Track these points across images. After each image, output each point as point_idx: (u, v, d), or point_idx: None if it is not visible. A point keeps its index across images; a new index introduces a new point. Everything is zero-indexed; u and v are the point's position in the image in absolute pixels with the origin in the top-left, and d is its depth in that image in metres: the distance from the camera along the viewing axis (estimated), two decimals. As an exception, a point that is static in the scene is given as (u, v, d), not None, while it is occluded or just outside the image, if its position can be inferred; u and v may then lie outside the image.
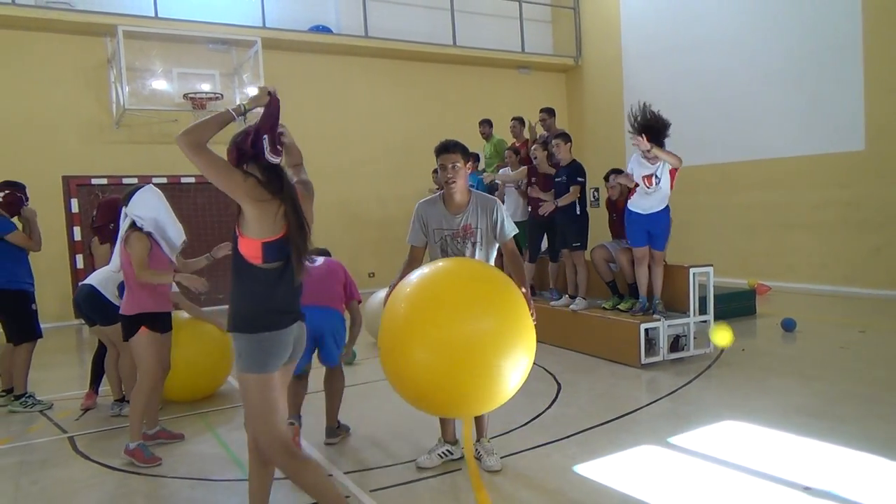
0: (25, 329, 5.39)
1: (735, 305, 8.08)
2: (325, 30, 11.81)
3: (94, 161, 10.16)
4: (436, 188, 9.86)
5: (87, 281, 5.12)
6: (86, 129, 10.17)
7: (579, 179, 6.63)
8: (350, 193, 12.11)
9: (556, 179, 6.83)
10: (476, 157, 8.78)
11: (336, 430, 4.40)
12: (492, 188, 8.63)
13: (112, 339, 5.01)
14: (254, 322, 2.64)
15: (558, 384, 5.54)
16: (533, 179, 7.24)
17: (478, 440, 3.88)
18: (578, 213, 6.70)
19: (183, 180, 10.55)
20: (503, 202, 7.94)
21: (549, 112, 8.24)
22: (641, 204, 6.01)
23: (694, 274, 6.11)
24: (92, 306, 5.00)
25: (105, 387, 5.48)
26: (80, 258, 9.89)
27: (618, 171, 6.76)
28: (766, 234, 10.64)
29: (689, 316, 6.09)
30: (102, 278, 5.02)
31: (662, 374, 5.75)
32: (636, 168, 6.04)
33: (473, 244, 3.64)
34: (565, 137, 6.80)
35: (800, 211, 10.13)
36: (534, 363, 5.68)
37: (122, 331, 4.22)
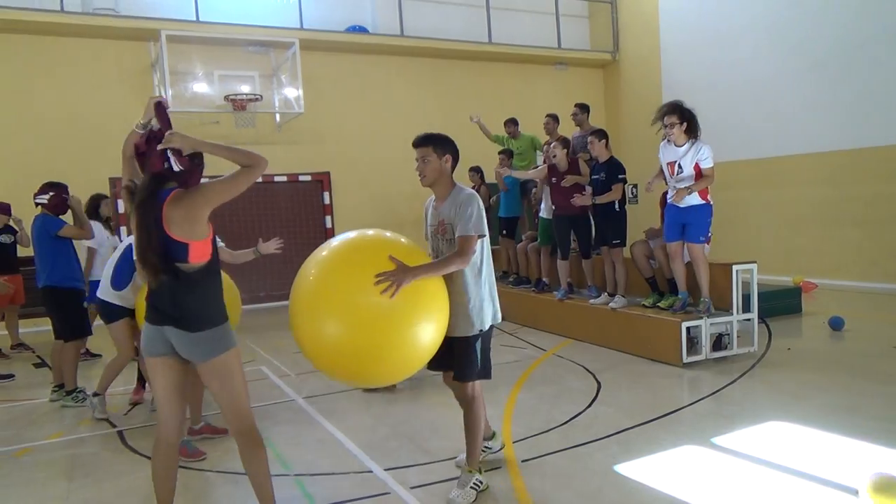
0: (76, 326, 5.57)
1: (779, 303, 7.89)
2: (361, 30, 11.90)
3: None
4: (472, 186, 9.87)
5: None
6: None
7: (620, 177, 6.56)
8: (386, 192, 12.18)
9: (594, 177, 6.76)
10: (510, 154, 8.81)
11: None
12: (526, 186, 8.60)
13: None
14: (222, 314, 2.87)
15: (598, 383, 5.49)
16: (553, 179, 7.18)
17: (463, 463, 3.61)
18: (617, 209, 6.63)
19: (224, 180, 10.73)
20: (540, 200, 7.89)
21: (583, 108, 8.15)
22: (676, 196, 5.89)
23: (737, 271, 5.99)
24: None
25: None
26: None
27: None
28: (812, 231, 10.35)
29: (732, 314, 5.97)
30: None
31: (705, 373, 5.65)
32: (663, 153, 5.96)
33: (448, 241, 3.35)
34: (600, 134, 6.72)
35: (849, 206, 9.82)
36: (573, 361, 5.63)
37: None
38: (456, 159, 3.53)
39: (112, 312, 4.85)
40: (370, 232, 3.30)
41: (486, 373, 3.51)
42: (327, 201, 11.75)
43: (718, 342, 6.00)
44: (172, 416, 2.92)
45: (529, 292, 8.21)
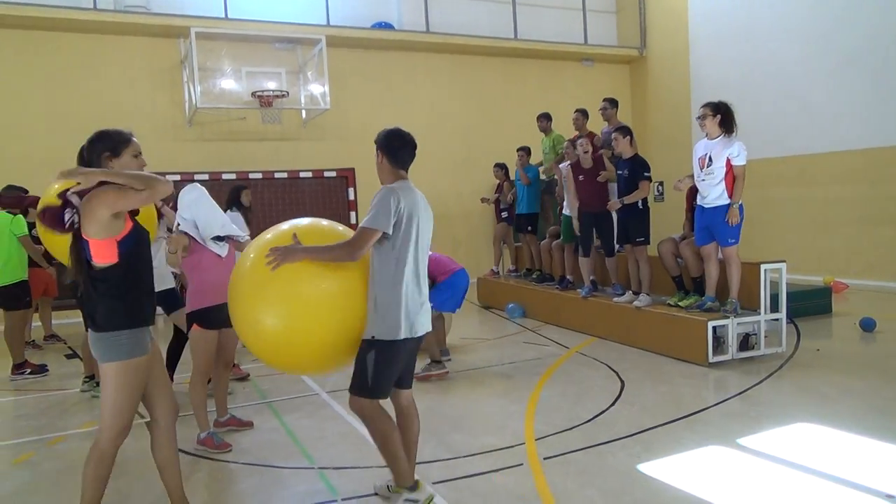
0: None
1: (809, 304, 7.75)
2: (387, 26, 11.93)
3: (168, 158, 10.57)
4: (497, 183, 9.85)
5: None
6: (161, 128, 10.60)
7: (646, 175, 6.49)
8: (411, 188, 12.20)
9: (618, 173, 6.71)
10: (527, 151, 8.81)
11: None
12: (551, 182, 8.56)
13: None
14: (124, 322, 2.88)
15: (622, 381, 5.45)
16: (581, 176, 7.14)
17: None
18: (641, 206, 6.57)
19: (251, 176, 10.86)
20: (564, 196, 7.87)
21: (612, 102, 8.06)
22: (702, 194, 5.82)
23: (765, 270, 5.90)
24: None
25: (183, 374, 5.72)
26: (155, 251, 10.33)
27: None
28: (844, 230, 10.14)
29: (759, 314, 5.88)
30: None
31: (731, 373, 5.57)
32: (698, 150, 5.89)
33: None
34: (624, 131, 6.65)
35: (883, 205, 9.60)
36: (597, 360, 5.60)
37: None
38: (390, 154, 3.22)
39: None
40: (304, 221, 3.34)
41: (370, 391, 3.07)
42: (352, 197, 11.82)
43: (745, 342, 5.92)
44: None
45: (553, 289, 8.18)
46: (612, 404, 4.86)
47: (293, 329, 3.02)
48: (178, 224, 4.28)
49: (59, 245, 4.33)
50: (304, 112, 11.32)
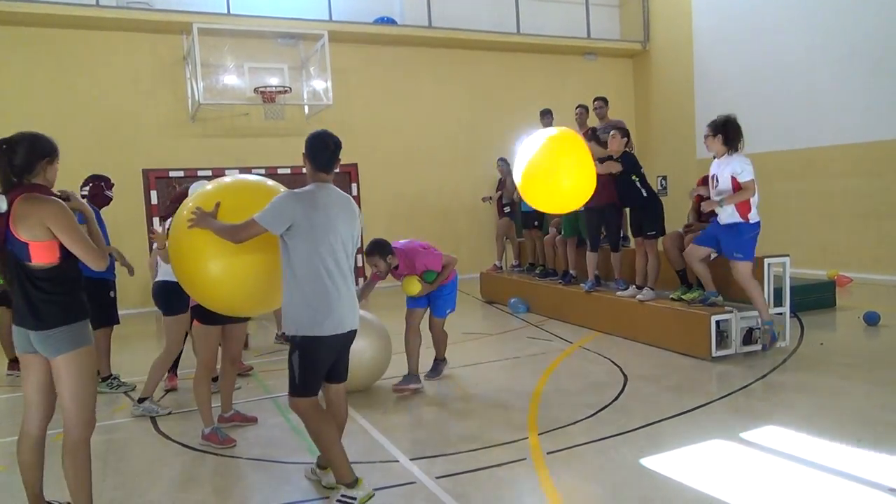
0: (102, 315, 5.66)
1: (813, 297, 7.74)
2: (389, 21, 11.91)
3: (171, 154, 10.60)
4: (499, 178, 9.84)
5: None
6: (164, 124, 10.62)
7: (617, 160, 6.52)
8: (413, 183, 12.23)
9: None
10: None
11: None
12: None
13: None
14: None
15: (625, 376, 5.45)
16: None
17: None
18: (646, 195, 6.53)
19: (254, 171, 10.86)
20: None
21: (604, 101, 8.22)
22: (717, 212, 5.76)
23: (769, 264, 5.89)
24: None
25: (186, 370, 5.74)
26: (159, 247, 10.36)
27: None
28: (849, 223, 10.11)
29: (763, 308, 5.87)
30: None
31: (734, 367, 5.57)
32: (710, 169, 5.84)
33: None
34: (623, 132, 6.68)
35: (888, 198, 9.55)
36: (600, 354, 5.62)
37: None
38: (310, 157, 3.36)
39: (178, 300, 4.77)
40: (249, 178, 3.88)
41: (298, 389, 3.19)
42: (355, 192, 11.83)
43: (749, 336, 5.91)
44: (36, 411, 3.07)
45: (556, 284, 8.18)
46: (616, 399, 4.86)
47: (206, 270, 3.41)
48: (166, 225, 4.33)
49: None
50: (306, 108, 11.32)
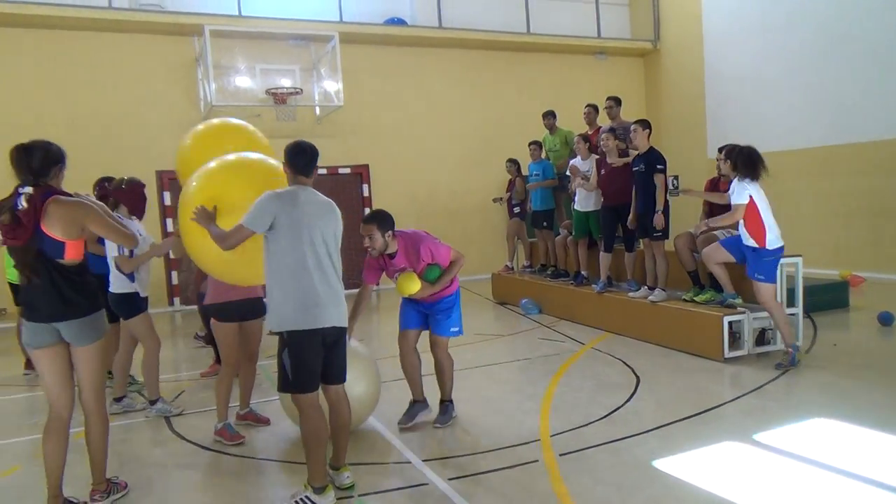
0: (109, 311, 5.68)
1: (826, 298, 7.69)
2: (400, 22, 11.93)
3: (183, 156, 10.66)
4: (509, 179, 9.83)
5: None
6: (176, 126, 10.62)
7: (660, 167, 6.46)
8: (424, 183, 12.25)
9: (634, 168, 6.67)
10: (539, 144, 8.83)
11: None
12: (563, 178, 8.55)
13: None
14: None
15: (637, 377, 5.44)
16: (603, 171, 7.12)
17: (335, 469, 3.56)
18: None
19: (265, 173, 10.92)
20: (575, 192, 7.84)
21: (616, 101, 8.14)
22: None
23: (781, 265, 5.85)
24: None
25: (199, 369, 5.79)
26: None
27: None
28: (862, 223, 10.03)
29: (776, 309, 5.84)
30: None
31: (747, 368, 5.55)
32: None
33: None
34: (644, 124, 6.63)
35: (901, 197, 9.48)
36: (612, 355, 5.61)
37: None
38: (288, 161, 3.49)
39: (133, 304, 4.90)
40: (251, 156, 4.06)
41: (292, 385, 3.27)
42: (366, 193, 11.86)
43: (761, 337, 5.89)
44: (64, 396, 3.32)
45: (568, 285, 8.17)
46: (628, 400, 4.86)
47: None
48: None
49: None
50: (317, 109, 11.37)
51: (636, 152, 6.75)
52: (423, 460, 3.89)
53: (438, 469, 3.76)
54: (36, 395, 5.90)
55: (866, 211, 9.98)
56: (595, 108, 8.53)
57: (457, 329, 4.46)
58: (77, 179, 6.43)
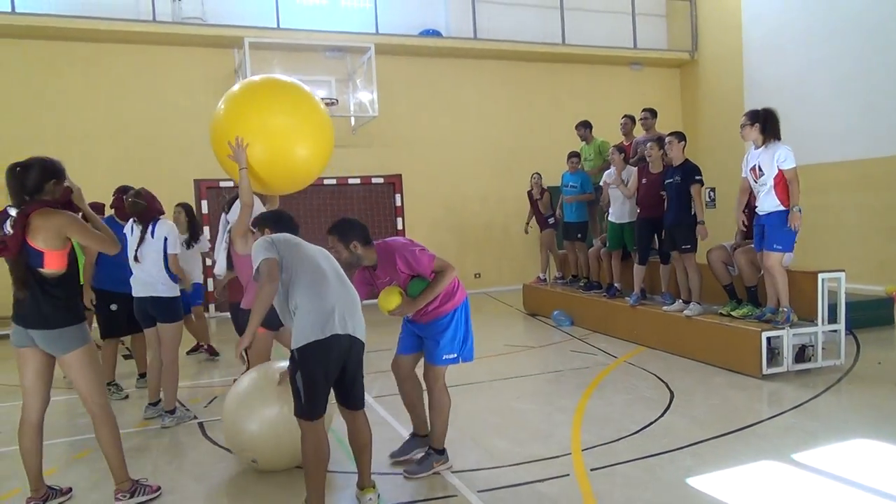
0: (103, 326, 5.81)
1: (870, 314, 7.45)
2: (435, 33, 12.01)
3: (222, 165, 10.88)
4: (528, 191, 9.75)
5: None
6: (215, 136, 10.90)
7: (697, 178, 6.37)
8: (457, 194, 12.27)
9: (668, 181, 6.58)
10: (578, 156, 8.77)
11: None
12: (597, 189, 8.48)
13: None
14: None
15: (671, 392, 5.34)
16: (644, 180, 7.04)
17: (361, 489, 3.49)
18: (692, 213, 6.44)
19: (301, 182, 11.06)
20: (609, 203, 7.78)
21: (652, 113, 8.10)
22: (758, 203, 5.68)
23: (823, 280, 5.70)
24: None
25: (228, 377, 5.85)
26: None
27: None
28: (909, 238, 9.72)
29: (817, 325, 5.68)
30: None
31: (786, 386, 5.40)
32: (745, 163, 5.78)
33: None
34: (680, 136, 6.57)
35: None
36: (645, 370, 5.51)
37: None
38: (272, 227, 3.66)
39: (177, 308, 5.00)
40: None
41: (305, 410, 3.13)
42: (399, 203, 11.92)
43: (802, 354, 5.73)
44: (35, 399, 3.46)
45: (601, 297, 8.08)
46: (662, 415, 4.77)
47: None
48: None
49: None
50: (352, 119, 11.48)
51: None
52: (452, 471, 3.86)
53: (468, 480, 3.73)
54: (61, 399, 6.04)
55: (913, 225, 9.66)
56: (632, 119, 8.47)
57: (453, 357, 3.82)
58: (115, 186, 6.62)
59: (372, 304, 3.66)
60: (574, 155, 8.79)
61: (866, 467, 3.70)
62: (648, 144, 7.03)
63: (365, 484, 3.48)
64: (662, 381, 5.69)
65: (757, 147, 5.63)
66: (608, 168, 8.01)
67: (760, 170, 5.54)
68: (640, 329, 7.20)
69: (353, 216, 4.03)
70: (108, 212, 6.27)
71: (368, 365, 6.57)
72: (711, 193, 12.73)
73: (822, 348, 5.72)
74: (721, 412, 4.81)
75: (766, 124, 5.53)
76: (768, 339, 5.58)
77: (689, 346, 6.41)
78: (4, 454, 4.45)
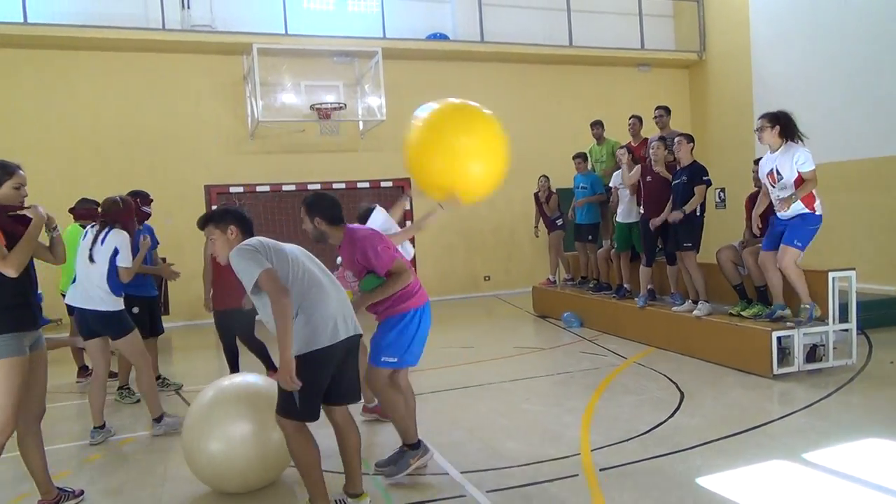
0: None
1: (881, 314, 7.41)
2: (442, 37, 12.05)
3: (231, 170, 10.96)
4: (535, 192, 9.76)
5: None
6: (224, 141, 10.99)
7: (705, 178, 6.36)
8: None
9: (675, 181, 6.58)
10: (584, 157, 8.77)
11: None
12: (609, 190, 8.47)
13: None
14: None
15: (681, 393, 5.33)
16: (648, 178, 7.02)
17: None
18: (697, 213, 6.42)
19: (310, 186, 11.12)
20: (618, 204, 7.77)
21: (666, 110, 8.04)
22: (778, 207, 5.62)
23: (834, 278, 5.67)
24: None
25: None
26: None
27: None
28: (921, 236, 9.63)
29: (827, 324, 5.65)
30: None
31: (797, 385, 5.38)
32: (762, 168, 5.74)
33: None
34: (687, 137, 6.57)
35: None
36: (655, 370, 5.50)
37: None
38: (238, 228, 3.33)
39: (121, 323, 4.73)
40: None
41: (300, 414, 3.14)
42: (408, 206, 11.93)
43: (813, 353, 5.70)
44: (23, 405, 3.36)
45: (610, 299, 8.06)
46: (671, 416, 4.76)
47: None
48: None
49: None
50: (361, 123, 11.53)
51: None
52: (462, 472, 3.87)
53: (477, 481, 3.74)
54: (75, 403, 6.10)
55: (925, 224, 9.58)
56: (640, 120, 8.45)
57: (394, 360, 3.75)
58: (128, 191, 6.69)
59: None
60: (579, 156, 8.79)
61: (878, 467, 3.67)
62: (654, 144, 7.02)
63: (357, 490, 3.45)
64: (672, 381, 5.68)
65: (773, 151, 5.59)
66: (618, 168, 8.01)
67: (779, 173, 5.50)
68: (649, 330, 7.19)
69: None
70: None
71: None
72: (721, 194, 12.68)
73: (834, 348, 5.69)
74: (731, 412, 4.79)
75: (785, 126, 5.49)
76: (779, 338, 5.56)
77: (699, 346, 6.39)
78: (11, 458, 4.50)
